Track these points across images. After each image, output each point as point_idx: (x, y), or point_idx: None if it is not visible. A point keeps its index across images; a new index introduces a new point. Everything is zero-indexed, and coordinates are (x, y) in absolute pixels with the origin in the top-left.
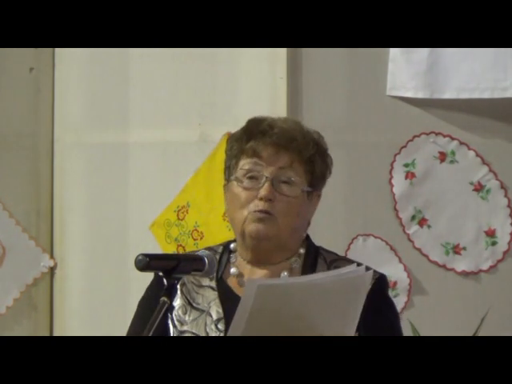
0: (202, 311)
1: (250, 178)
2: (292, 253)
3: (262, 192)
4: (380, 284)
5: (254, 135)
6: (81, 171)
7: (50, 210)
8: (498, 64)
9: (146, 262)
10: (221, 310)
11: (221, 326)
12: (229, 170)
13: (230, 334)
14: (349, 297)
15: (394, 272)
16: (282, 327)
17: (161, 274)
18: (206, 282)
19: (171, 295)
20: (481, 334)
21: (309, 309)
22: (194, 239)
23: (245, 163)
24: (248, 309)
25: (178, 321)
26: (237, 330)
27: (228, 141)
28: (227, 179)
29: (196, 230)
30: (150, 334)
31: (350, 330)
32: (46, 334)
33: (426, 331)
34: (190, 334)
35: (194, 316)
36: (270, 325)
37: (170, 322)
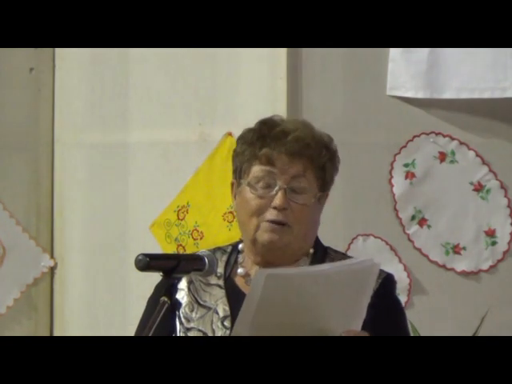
0: (209, 309)
1: (263, 185)
2: (302, 255)
3: (277, 201)
4: (387, 283)
5: (268, 141)
6: (81, 171)
7: (50, 210)
8: (498, 64)
9: (146, 262)
10: (227, 308)
11: (227, 324)
12: (240, 172)
13: (238, 323)
14: (356, 287)
15: (394, 272)
16: (289, 317)
17: (161, 273)
18: (213, 280)
19: (172, 295)
20: (481, 334)
21: (317, 299)
22: (194, 239)
23: (258, 170)
24: (257, 298)
25: (185, 318)
26: (245, 319)
27: (238, 142)
28: (237, 179)
29: (196, 230)
30: (150, 334)
31: (357, 323)
32: (46, 334)
33: (426, 331)
34: (196, 331)
35: (201, 313)
36: (277, 315)
37: (177, 319)
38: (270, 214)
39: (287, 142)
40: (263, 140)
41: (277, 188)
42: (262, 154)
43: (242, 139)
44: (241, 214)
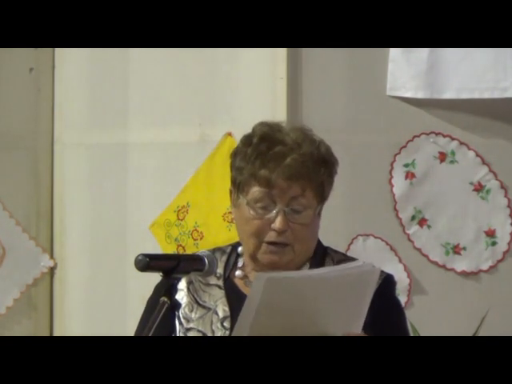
0: (209, 309)
1: (262, 206)
2: (305, 262)
3: (277, 224)
4: (387, 284)
5: (266, 163)
6: (81, 171)
7: (49, 210)
8: (498, 64)
9: (146, 262)
10: (227, 309)
11: (226, 324)
12: (238, 186)
13: (237, 328)
14: (356, 292)
15: (394, 272)
16: (289, 321)
17: (161, 274)
18: (213, 280)
19: (171, 295)
20: (481, 334)
21: (316, 302)
22: (194, 239)
23: (256, 191)
24: (256, 302)
25: (185, 318)
26: (244, 323)
27: (237, 154)
28: (236, 191)
29: (196, 230)
30: (150, 334)
31: (357, 326)
32: (46, 334)
33: (425, 331)
34: (195, 332)
35: (201, 314)
36: (277, 318)
37: (176, 319)
38: (270, 236)
39: (285, 166)
40: (262, 160)
41: (276, 210)
42: (261, 176)
43: (240, 153)
44: (240, 229)
